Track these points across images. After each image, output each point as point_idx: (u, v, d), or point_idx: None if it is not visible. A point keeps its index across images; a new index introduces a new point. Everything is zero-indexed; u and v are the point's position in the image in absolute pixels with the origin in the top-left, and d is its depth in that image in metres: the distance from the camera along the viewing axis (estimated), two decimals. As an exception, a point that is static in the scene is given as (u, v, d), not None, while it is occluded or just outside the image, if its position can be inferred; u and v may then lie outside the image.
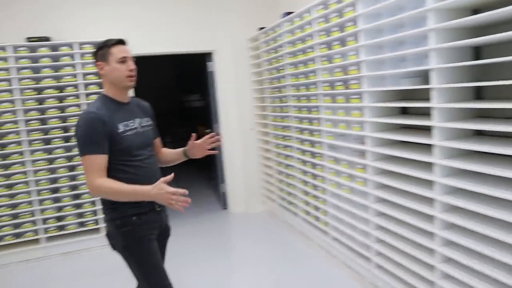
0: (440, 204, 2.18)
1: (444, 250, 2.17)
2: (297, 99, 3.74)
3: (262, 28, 4.33)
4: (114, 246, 1.95)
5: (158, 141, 2.19)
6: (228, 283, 3.30)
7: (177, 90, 9.01)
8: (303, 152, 3.73)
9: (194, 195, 5.94)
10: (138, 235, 1.89)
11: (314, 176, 3.58)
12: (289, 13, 3.63)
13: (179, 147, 2.23)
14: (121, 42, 1.89)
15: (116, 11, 4.35)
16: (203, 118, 7.37)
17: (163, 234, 2.10)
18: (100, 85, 4.00)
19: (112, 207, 1.88)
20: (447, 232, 2.16)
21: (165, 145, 2.29)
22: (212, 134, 2.09)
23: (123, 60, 1.86)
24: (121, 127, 1.85)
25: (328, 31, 3.08)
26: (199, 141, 2.10)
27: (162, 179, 1.72)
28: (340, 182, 3.16)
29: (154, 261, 1.92)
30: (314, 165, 3.55)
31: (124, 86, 1.91)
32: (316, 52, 3.25)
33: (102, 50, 1.89)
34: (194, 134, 2.10)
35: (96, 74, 3.98)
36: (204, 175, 7.00)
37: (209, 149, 2.14)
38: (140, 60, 4.34)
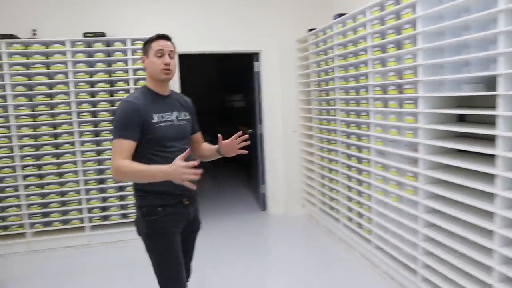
0: (501, 218, 2.04)
1: (503, 269, 2.04)
2: (345, 102, 3.65)
3: (311, 30, 4.27)
4: (139, 232, 1.99)
5: (198, 135, 2.24)
6: (260, 287, 3.25)
7: (219, 89, 9.09)
8: (349, 157, 3.64)
9: (232, 194, 5.99)
10: (161, 226, 1.92)
11: (359, 182, 3.48)
12: (341, 14, 3.56)
13: None
14: (161, 37, 1.95)
15: (167, 8, 4.45)
16: (244, 118, 7.41)
17: (191, 228, 2.12)
18: (149, 81, 4.09)
19: (140, 195, 1.95)
20: (507, 250, 2.03)
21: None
22: (240, 133, 2.05)
23: (159, 54, 1.92)
24: (155, 118, 1.89)
25: (383, 33, 2.99)
26: (228, 140, 2.08)
27: (180, 155, 1.72)
28: (388, 190, 3.05)
29: (172, 254, 1.94)
30: (360, 171, 3.46)
31: (159, 79, 1.95)
32: (369, 55, 3.16)
33: (145, 44, 1.97)
34: (220, 135, 2.09)
35: (144, 69, 4.08)
36: (243, 175, 7.01)
37: (240, 148, 2.10)
38: (186, 58, 4.47)
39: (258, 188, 5.20)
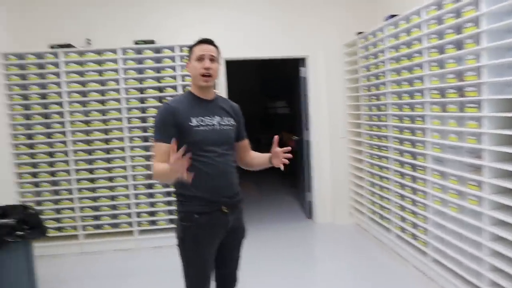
0: None
1: None
2: (398, 107, 3.50)
3: (360, 33, 4.15)
4: (176, 236, 1.98)
5: (245, 143, 2.16)
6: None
7: (262, 95, 9.09)
8: (402, 164, 3.47)
9: (276, 202, 5.92)
10: (195, 232, 1.89)
11: (414, 191, 3.31)
12: (393, 16, 3.42)
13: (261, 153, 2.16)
14: (203, 41, 1.95)
15: (214, 15, 4.51)
16: (287, 125, 7.34)
17: (234, 236, 2.04)
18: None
19: (180, 200, 1.94)
20: None
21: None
22: (276, 137, 1.95)
23: (200, 58, 1.90)
24: (194, 121, 1.88)
25: (441, 33, 2.83)
26: (278, 149, 1.97)
27: (174, 152, 1.62)
28: (446, 199, 2.87)
29: (199, 264, 1.93)
30: (414, 179, 3.28)
31: (198, 83, 1.93)
32: (424, 57, 3.00)
33: (189, 49, 1.98)
34: (276, 136, 1.98)
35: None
36: (287, 182, 6.92)
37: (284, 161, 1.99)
38: (231, 64, 4.48)
39: (304, 195, 5.10)
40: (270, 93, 8.59)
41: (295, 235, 4.52)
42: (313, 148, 4.78)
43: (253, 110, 8.74)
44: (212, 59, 1.92)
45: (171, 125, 1.86)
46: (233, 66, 4.65)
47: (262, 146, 5.26)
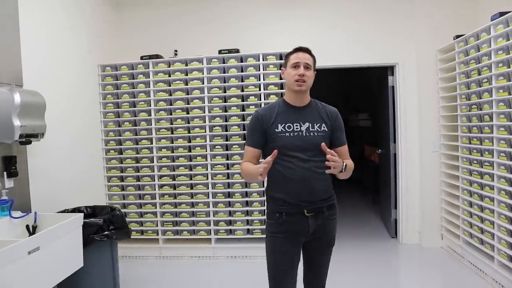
0: None
1: None
2: (507, 117, 3.08)
3: (458, 36, 3.78)
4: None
5: (340, 150, 2.11)
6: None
7: (343, 108, 8.82)
8: (511, 182, 3.03)
9: (357, 219, 5.62)
10: (274, 230, 2.03)
11: (527, 213, 2.86)
12: (503, 13, 3.04)
13: None
14: (299, 49, 2.05)
15: (297, 23, 4.46)
16: (370, 138, 7.00)
17: (318, 242, 2.07)
18: (278, 95, 4.07)
19: (268, 200, 2.11)
20: None
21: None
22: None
23: (294, 65, 2.01)
24: (280, 127, 1.99)
25: None
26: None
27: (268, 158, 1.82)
28: None
29: (276, 259, 2.04)
30: (527, 199, 2.84)
31: (293, 90, 2.03)
32: (544, 58, 2.61)
33: (286, 57, 2.10)
34: (323, 144, 1.89)
35: (275, 84, 4.08)
36: (368, 198, 6.56)
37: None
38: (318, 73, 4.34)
39: (388, 213, 4.74)
40: (352, 106, 8.36)
41: (378, 255, 4.18)
42: (400, 162, 4.44)
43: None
44: (307, 67, 2.01)
45: (258, 131, 2.03)
46: (316, 78, 4.52)
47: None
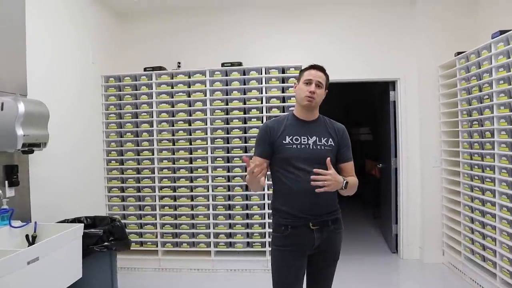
0: None
1: None
2: (508, 134, 3.09)
3: (460, 53, 3.81)
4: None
5: (345, 166, 2.14)
6: None
7: (345, 122, 8.85)
8: (512, 198, 3.03)
9: (358, 233, 5.57)
10: (280, 244, 2.05)
11: (528, 231, 2.85)
12: (503, 32, 3.08)
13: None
14: (314, 67, 2.11)
15: (299, 38, 4.51)
16: (371, 152, 7.00)
17: (322, 256, 2.09)
18: (280, 109, 4.08)
19: (273, 212, 2.14)
20: None
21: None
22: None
23: (307, 82, 2.06)
24: (287, 139, 2.04)
25: None
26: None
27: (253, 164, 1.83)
28: None
29: (280, 273, 2.04)
30: (529, 217, 2.83)
31: (302, 104, 2.09)
32: (545, 76, 2.63)
33: (300, 72, 2.16)
34: (328, 159, 1.91)
35: (277, 98, 4.10)
36: (369, 213, 6.53)
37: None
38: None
39: (389, 227, 4.71)
40: (353, 120, 8.40)
41: (379, 270, 4.15)
42: (401, 176, 4.44)
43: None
44: (318, 85, 2.06)
45: (266, 142, 2.07)
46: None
47: (340, 173, 5.03)
